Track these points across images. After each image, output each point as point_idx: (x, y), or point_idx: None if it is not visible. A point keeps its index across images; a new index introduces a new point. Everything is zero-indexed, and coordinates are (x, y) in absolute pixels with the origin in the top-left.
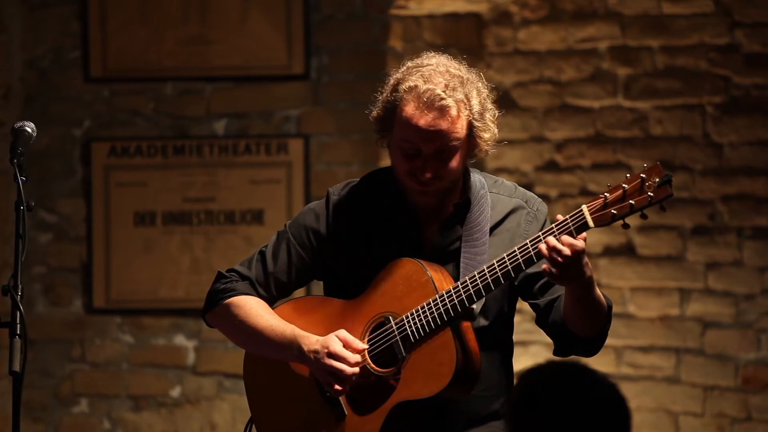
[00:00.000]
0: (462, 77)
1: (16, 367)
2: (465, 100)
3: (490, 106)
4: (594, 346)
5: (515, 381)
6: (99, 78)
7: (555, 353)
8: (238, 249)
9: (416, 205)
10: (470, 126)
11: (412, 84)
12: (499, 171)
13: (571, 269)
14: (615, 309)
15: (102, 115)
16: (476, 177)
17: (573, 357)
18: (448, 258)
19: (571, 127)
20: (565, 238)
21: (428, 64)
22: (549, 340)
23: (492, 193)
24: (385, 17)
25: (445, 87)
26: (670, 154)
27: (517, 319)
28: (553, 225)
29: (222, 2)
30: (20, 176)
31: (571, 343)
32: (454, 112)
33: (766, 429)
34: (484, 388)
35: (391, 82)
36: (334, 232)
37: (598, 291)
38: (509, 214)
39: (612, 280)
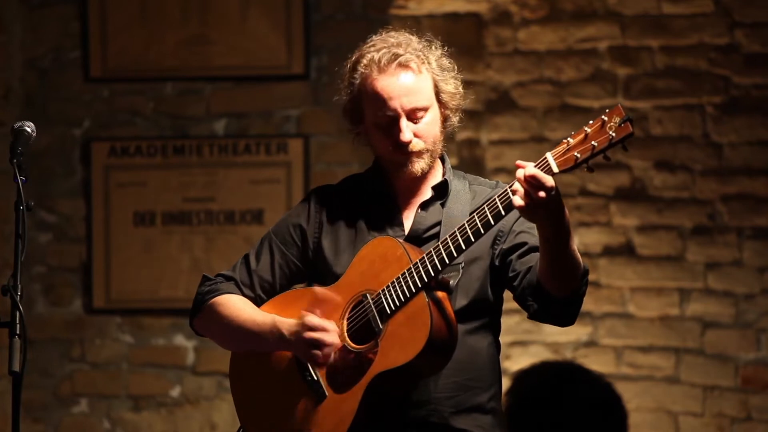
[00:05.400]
0: (410, 38)
1: (16, 367)
2: (422, 55)
3: (447, 62)
4: (568, 309)
5: (512, 382)
6: (99, 78)
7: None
8: (238, 249)
9: (398, 190)
10: (434, 80)
11: (369, 58)
12: (499, 171)
13: (546, 202)
14: (615, 309)
15: (102, 115)
16: (458, 173)
17: (570, 358)
18: (429, 242)
19: (571, 127)
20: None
21: (376, 41)
22: (549, 339)
23: (473, 185)
24: (385, 17)
25: (399, 46)
26: (670, 154)
27: (516, 319)
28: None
29: (222, 2)
30: (20, 176)
31: (544, 303)
32: (414, 65)
33: (766, 429)
34: (470, 377)
35: (347, 69)
36: (315, 224)
37: (574, 247)
38: None
39: (612, 280)
